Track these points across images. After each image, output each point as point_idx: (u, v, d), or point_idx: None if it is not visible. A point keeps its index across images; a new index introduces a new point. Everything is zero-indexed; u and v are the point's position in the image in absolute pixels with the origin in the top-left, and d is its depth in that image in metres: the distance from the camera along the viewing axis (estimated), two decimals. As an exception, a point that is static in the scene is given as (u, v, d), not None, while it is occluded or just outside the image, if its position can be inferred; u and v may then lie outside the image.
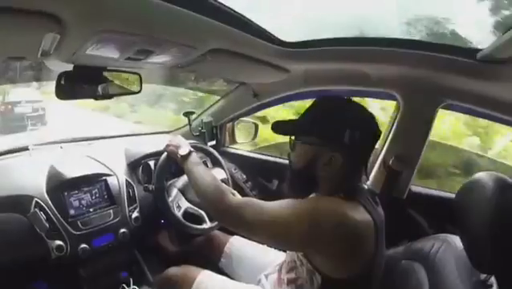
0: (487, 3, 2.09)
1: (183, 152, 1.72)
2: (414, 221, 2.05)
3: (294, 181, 1.45)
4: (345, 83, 2.09)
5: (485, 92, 1.72)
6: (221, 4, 1.21)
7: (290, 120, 1.48)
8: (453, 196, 1.39)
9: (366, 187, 1.37)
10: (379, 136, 1.35)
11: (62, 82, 1.51)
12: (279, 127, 1.46)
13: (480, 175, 1.26)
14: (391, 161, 1.99)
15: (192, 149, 1.74)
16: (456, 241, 1.38)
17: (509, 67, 1.34)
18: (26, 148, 2.04)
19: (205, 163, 2.27)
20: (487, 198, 1.15)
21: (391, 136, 2.04)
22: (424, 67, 1.66)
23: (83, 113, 9.91)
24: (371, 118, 1.32)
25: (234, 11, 1.28)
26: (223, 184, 1.51)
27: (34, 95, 10.62)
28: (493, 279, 1.23)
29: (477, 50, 1.44)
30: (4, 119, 10.26)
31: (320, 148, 1.30)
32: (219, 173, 2.20)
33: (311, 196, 1.41)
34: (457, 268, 1.29)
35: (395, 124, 2.02)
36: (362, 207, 1.23)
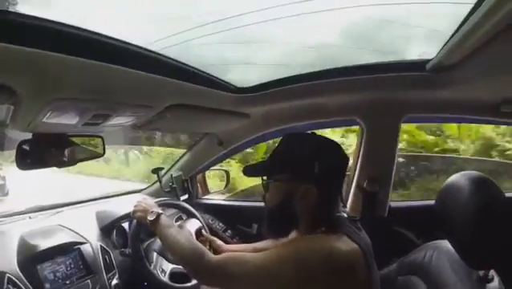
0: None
1: (151, 216, 1.65)
2: (401, 236, 2.07)
3: (273, 222, 1.42)
4: (306, 118, 2.15)
5: (439, 99, 1.82)
6: (172, 59, 1.24)
7: (260, 162, 1.50)
8: (432, 202, 1.41)
9: (345, 215, 1.36)
10: (348, 163, 1.38)
11: (23, 151, 1.47)
12: (250, 170, 1.48)
13: (454, 177, 1.29)
14: (365, 184, 2.03)
15: (160, 211, 1.67)
16: (446, 245, 1.38)
17: (458, 71, 1.40)
18: None
19: (180, 218, 2.25)
20: (465, 197, 1.19)
21: (360, 159, 2.09)
22: (379, 88, 1.73)
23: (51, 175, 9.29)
24: (336, 147, 1.35)
25: (186, 65, 1.32)
26: (199, 244, 1.46)
27: None
28: (492, 272, 1.24)
29: (426, 62, 1.52)
30: None
31: (293, 183, 1.30)
32: (194, 224, 2.18)
33: (292, 235, 1.41)
34: (454, 271, 1.29)
35: (362, 148, 2.08)
36: (346, 237, 1.21)
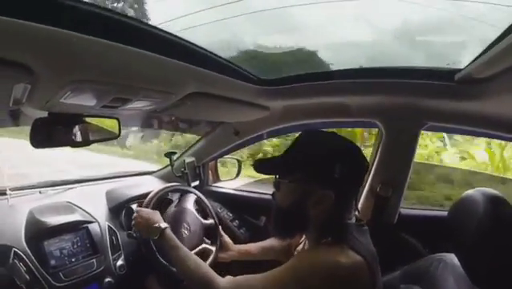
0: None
1: (155, 234, 1.62)
2: (408, 244, 2.03)
3: (281, 223, 1.38)
4: (325, 115, 2.11)
5: (465, 111, 1.75)
6: (197, 46, 1.20)
7: (273, 158, 1.44)
8: (444, 214, 1.39)
9: (354, 219, 1.31)
10: (368, 167, 1.33)
11: (38, 129, 1.44)
12: (262, 166, 1.41)
13: (471, 192, 1.26)
14: (378, 188, 1.99)
15: (163, 226, 1.63)
16: (452, 258, 1.36)
17: (489, 85, 1.34)
18: (3, 193, 1.95)
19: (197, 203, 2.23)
20: (479, 214, 1.15)
21: (376, 163, 2.05)
22: (404, 93, 1.67)
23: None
24: (357, 149, 1.29)
25: (211, 53, 1.28)
26: (206, 268, 1.43)
27: None
28: None
29: (455, 72, 1.46)
30: None
31: (309, 186, 1.24)
32: (206, 221, 2.16)
33: (300, 247, 1.41)
34: (457, 286, 1.27)
35: (379, 151, 2.03)
36: (350, 250, 1.17)
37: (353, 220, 1.30)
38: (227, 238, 2.05)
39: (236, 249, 2.01)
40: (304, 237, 1.49)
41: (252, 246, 1.98)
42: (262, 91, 1.69)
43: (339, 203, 1.23)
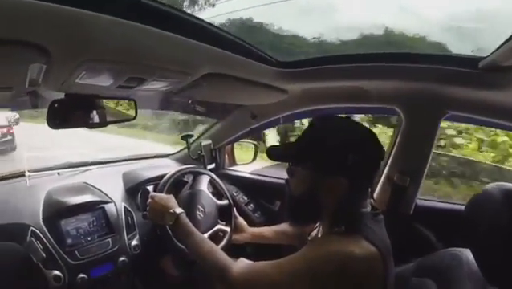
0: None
1: (170, 220, 1.62)
2: (422, 237, 2.00)
3: (295, 210, 1.38)
4: (345, 100, 2.07)
5: (488, 101, 1.69)
6: (214, 27, 1.18)
7: (287, 144, 1.42)
8: (461, 207, 1.35)
9: (369, 208, 1.29)
10: (383, 155, 1.29)
11: (54, 110, 1.45)
12: (275, 152, 1.40)
13: (489, 187, 1.21)
14: (395, 177, 1.94)
15: (178, 211, 1.63)
16: (467, 254, 1.33)
17: None
18: (22, 175, 1.99)
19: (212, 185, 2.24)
20: (497, 210, 1.12)
21: (394, 150, 2.00)
22: (425, 79, 1.62)
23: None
24: (373, 136, 1.26)
25: (228, 33, 1.26)
26: (220, 255, 1.43)
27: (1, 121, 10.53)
28: None
29: (479, 59, 1.40)
30: None
31: (322, 173, 1.23)
32: (221, 201, 2.17)
33: (314, 232, 1.40)
34: (470, 282, 1.24)
35: (398, 139, 1.98)
36: (364, 240, 1.15)
37: (368, 208, 1.28)
38: (242, 220, 2.07)
39: (250, 231, 2.03)
40: (318, 223, 1.47)
41: (266, 230, 2.00)
42: (280, 74, 1.65)
43: (353, 191, 1.22)
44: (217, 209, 2.12)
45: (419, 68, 1.53)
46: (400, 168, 1.95)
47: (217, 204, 2.13)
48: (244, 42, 1.37)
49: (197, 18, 1.12)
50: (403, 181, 1.93)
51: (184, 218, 1.61)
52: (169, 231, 1.78)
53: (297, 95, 2.06)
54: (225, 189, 2.25)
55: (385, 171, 2.03)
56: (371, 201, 1.33)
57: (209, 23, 1.17)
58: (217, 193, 2.23)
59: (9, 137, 10.52)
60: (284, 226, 1.93)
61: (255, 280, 1.27)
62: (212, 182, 2.23)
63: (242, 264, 1.34)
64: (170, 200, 1.70)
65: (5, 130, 10.39)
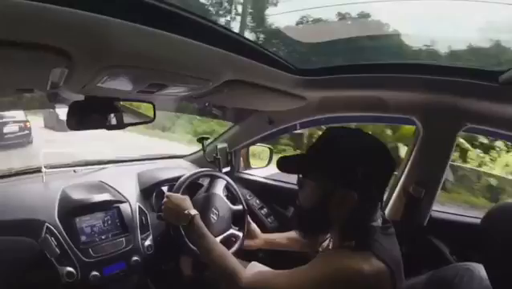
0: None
1: (185, 221, 1.64)
2: (435, 249, 1.96)
3: (304, 222, 1.37)
4: (362, 109, 2.05)
5: (507, 115, 1.67)
6: (236, 34, 1.18)
7: (297, 156, 1.40)
8: (476, 221, 1.34)
9: (380, 221, 1.28)
10: (394, 168, 1.27)
11: (74, 112, 1.48)
12: (285, 164, 1.37)
13: (506, 202, 1.20)
14: (411, 188, 1.92)
15: (193, 213, 1.65)
16: (480, 270, 1.30)
17: None
18: (39, 171, 2.03)
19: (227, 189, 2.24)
20: None
21: (410, 161, 1.98)
22: (445, 91, 1.61)
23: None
24: (384, 149, 1.24)
25: (250, 41, 1.26)
26: (232, 260, 1.44)
27: (20, 116, 11.45)
28: None
29: (499, 73, 1.40)
30: None
31: (332, 186, 1.21)
32: (235, 206, 2.17)
33: (325, 244, 1.41)
34: None
35: (414, 150, 1.96)
36: (374, 257, 1.14)
37: (379, 221, 1.27)
38: (254, 226, 2.06)
39: (263, 237, 2.03)
40: (329, 235, 1.47)
41: (278, 236, 1.99)
42: (299, 81, 1.65)
43: (363, 204, 1.20)
44: (231, 214, 2.12)
45: (439, 80, 1.52)
46: (415, 179, 1.93)
47: (231, 208, 2.13)
48: (265, 50, 1.37)
49: (220, 25, 1.12)
50: (418, 193, 1.90)
51: (199, 220, 1.62)
52: (182, 232, 1.79)
53: (315, 102, 2.06)
54: (240, 194, 2.25)
55: (401, 181, 2.02)
56: (382, 213, 1.32)
57: (231, 30, 1.17)
58: (232, 197, 2.23)
59: (26, 131, 11.46)
60: (296, 234, 1.92)
61: (263, 287, 1.27)
62: (227, 186, 2.23)
63: (252, 272, 1.35)
64: (186, 201, 1.72)
65: (22, 124, 11.30)
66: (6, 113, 11.10)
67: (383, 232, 1.24)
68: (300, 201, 1.33)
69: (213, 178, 2.19)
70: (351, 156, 1.20)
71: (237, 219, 2.13)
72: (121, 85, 1.23)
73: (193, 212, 1.64)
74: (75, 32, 0.79)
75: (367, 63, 1.66)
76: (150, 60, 1.06)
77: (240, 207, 2.18)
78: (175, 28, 0.93)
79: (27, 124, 11.70)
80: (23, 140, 11.43)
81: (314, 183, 1.26)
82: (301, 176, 1.33)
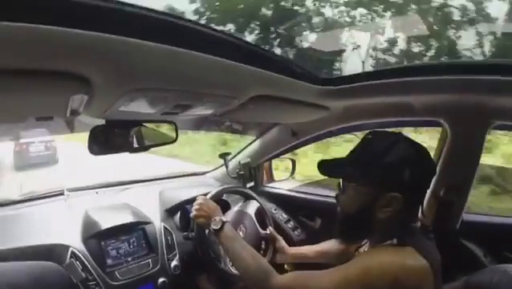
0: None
1: (216, 225, 1.61)
2: (469, 253, 1.89)
3: (347, 227, 1.34)
4: (387, 114, 1.99)
5: None
6: (261, 49, 1.15)
7: (339, 159, 1.36)
8: (510, 221, 1.28)
9: (419, 223, 1.28)
10: (436, 170, 1.28)
11: (95, 137, 1.47)
12: (327, 167, 1.34)
13: None
14: (442, 192, 1.86)
15: (224, 219, 1.63)
16: None
17: None
18: (61, 193, 2.04)
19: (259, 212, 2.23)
20: None
21: (440, 165, 1.90)
22: (473, 90, 1.53)
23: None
24: (426, 152, 1.23)
25: (275, 54, 1.23)
26: (264, 262, 1.42)
27: (45, 135, 11.94)
28: None
29: None
30: (21, 157, 11.69)
31: (377, 189, 1.20)
32: (254, 206, 2.19)
33: (362, 249, 1.37)
34: None
35: (443, 153, 1.89)
36: (417, 253, 1.13)
37: (418, 224, 1.27)
38: (282, 243, 2.01)
39: (291, 253, 1.97)
40: (366, 240, 1.45)
41: (307, 250, 1.94)
42: (323, 92, 1.61)
43: (407, 206, 1.19)
44: (259, 238, 2.10)
45: (466, 79, 1.46)
46: (446, 182, 1.86)
47: (259, 232, 2.11)
48: (289, 62, 1.34)
49: (245, 41, 1.09)
50: (449, 196, 1.84)
51: (230, 226, 1.61)
52: (210, 249, 1.81)
53: (338, 111, 2.01)
54: (271, 219, 2.23)
55: (431, 186, 1.95)
56: (421, 217, 1.31)
57: (255, 45, 1.14)
58: (262, 221, 2.20)
59: (51, 151, 12.25)
60: (327, 245, 1.88)
61: (301, 286, 1.24)
62: (259, 209, 2.22)
63: (288, 273, 1.34)
64: (219, 209, 1.72)
65: (48, 144, 12.09)
66: (31, 132, 11.61)
67: (423, 234, 1.24)
68: (342, 206, 1.32)
69: (247, 197, 2.20)
70: (397, 159, 1.19)
71: (264, 244, 2.11)
72: (145, 108, 1.20)
73: (225, 219, 1.63)
74: (95, 56, 0.76)
75: (390, 67, 1.61)
76: (175, 81, 1.03)
77: (268, 232, 2.14)
78: (199, 46, 0.89)
79: (52, 143, 12.35)
80: (49, 159, 12.02)
81: (359, 187, 1.25)
82: (343, 180, 1.32)
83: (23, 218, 1.84)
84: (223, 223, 1.60)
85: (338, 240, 1.46)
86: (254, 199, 2.21)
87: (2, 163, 11.85)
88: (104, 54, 0.76)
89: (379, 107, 1.91)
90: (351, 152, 1.30)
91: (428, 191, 1.89)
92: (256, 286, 1.36)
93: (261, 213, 2.21)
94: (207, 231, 1.89)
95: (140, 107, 1.17)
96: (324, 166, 1.33)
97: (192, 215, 1.74)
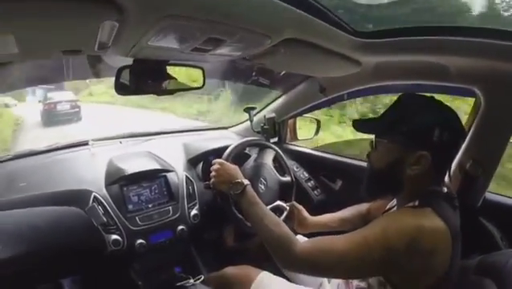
0: None
1: (236, 190, 1.57)
2: (487, 232, 1.85)
3: (374, 183, 1.39)
4: (419, 76, 1.92)
5: None
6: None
7: (373, 118, 1.42)
8: None
9: (445, 190, 1.28)
10: (466, 136, 1.29)
11: (122, 76, 1.47)
12: (362, 125, 1.39)
13: None
14: (468, 165, 1.80)
15: (245, 182, 1.59)
16: None
17: None
18: (86, 143, 2.09)
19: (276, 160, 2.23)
20: None
21: (469, 137, 1.82)
22: (510, 58, 1.47)
23: (114, 109, 14.83)
24: (457, 116, 1.25)
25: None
26: (285, 229, 1.39)
27: (70, 96, 14.81)
28: None
29: None
30: (49, 114, 13.78)
31: (407, 147, 1.24)
32: (270, 154, 2.18)
33: (381, 215, 1.37)
34: None
35: (474, 125, 1.80)
36: (435, 214, 1.16)
37: (444, 190, 1.29)
38: (305, 213, 1.99)
39: (313, 223, 1.96)
40: (393, 201, 1.50)
41: (329, 219, 1.95)
42: (356, 44, 1.54)
43: (435, 167, 1.23)
44: (279, 185, 2.10)
45: (507, 46, 1.39)
46: (473, 155, 1.79)
47: (279, 180, 2.11)
48: (327, 9, 1.28)
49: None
50: (475, 171, 1.78)
51: (251, 190, 1.58)
52: (231, 200, 1.79)
53: (370, 68, 1.94)
54: (289, 165, 2.22)
55: (457, 158, 1.89)
56: (448, 184, 1.32)
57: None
58: (281, 168, 2.20)
59: (76, 109, 14.20)
60: (348, 212, 1.91)
61: (323, 251, 1.24)
62: (276, 157, 2.21)
63: (309, 239, 1.33)
64: (237, 170, 1.69)
65: (73, 103, 14.10)
66: (59, 93, 14.27)
67: (447, 200, 1.25)
68: (372, 162, 1.37)
69: (262, 148, 2.18)
70: (429, 119, 1.22)
71: (285, 191, 2.12)
72: (174, 42, 1.15)
73: (246, 181, 1.60)
74: None
75: (428, 25, 1.53)
76: (211, 11, 0.97)
77: (288, 179, 2.15)
78: None
79: (77, 102, 14.40)
80: (73, 116, 14.15)
81: (391, 144, 1.29)
82: (376, 136, 1.35)
83: (49, 167, 1.89)
84: (244, 187, 1.57)
85: (364, 195, 1.44)
86: (270, 148, 2.21)
87: (29, 121, 13.82)
88: None
89: (411, 67, 1.85)
90: (385, 111, 1.34)
91: (455, 162, 1.85)
92: (277, 253, 1.35)
93: (278, 160, 2.22)
94: None
95: (169, 41, 1.13)
96: (359, 124, 1.38)
97: (210, 183, 1.69)
